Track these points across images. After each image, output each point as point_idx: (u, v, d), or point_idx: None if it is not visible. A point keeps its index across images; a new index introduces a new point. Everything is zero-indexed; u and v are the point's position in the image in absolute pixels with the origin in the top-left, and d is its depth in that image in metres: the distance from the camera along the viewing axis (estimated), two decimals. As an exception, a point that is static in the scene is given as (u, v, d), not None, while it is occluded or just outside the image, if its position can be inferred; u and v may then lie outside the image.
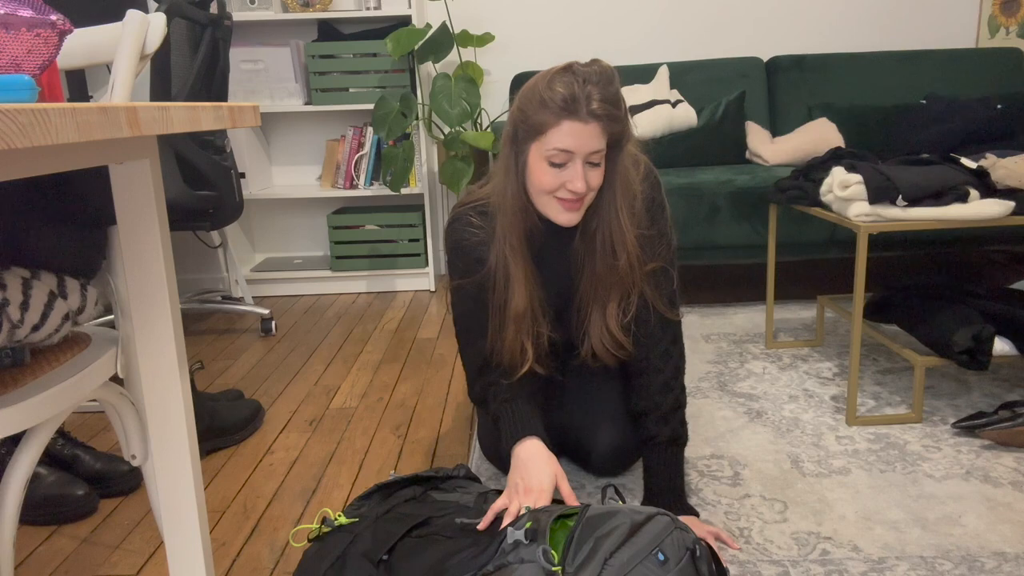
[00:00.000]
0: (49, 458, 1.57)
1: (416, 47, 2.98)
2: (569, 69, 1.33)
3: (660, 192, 1.47)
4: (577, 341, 1.53)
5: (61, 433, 1.60)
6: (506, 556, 1.05)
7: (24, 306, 0.98)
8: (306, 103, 3.18)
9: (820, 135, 2.97)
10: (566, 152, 1.32)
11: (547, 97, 1.31)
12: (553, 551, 1.03)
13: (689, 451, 1.70)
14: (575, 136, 1.31)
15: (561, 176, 1.34)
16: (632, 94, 2.95)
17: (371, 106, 3.06)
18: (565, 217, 1.40)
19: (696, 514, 1.43)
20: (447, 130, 3.10)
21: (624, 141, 1.38)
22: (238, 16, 3.06)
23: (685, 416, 1.50)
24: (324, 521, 1.26)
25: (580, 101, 1.30)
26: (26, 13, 0.71)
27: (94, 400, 1.06)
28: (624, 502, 1.21)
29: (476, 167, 2.98)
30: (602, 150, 1.34)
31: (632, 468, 1.62)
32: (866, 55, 3.21)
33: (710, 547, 1.10)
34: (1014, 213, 1.66)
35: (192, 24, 2.18)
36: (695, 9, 3.32)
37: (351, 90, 3.13)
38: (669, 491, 1.44)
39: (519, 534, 1.06)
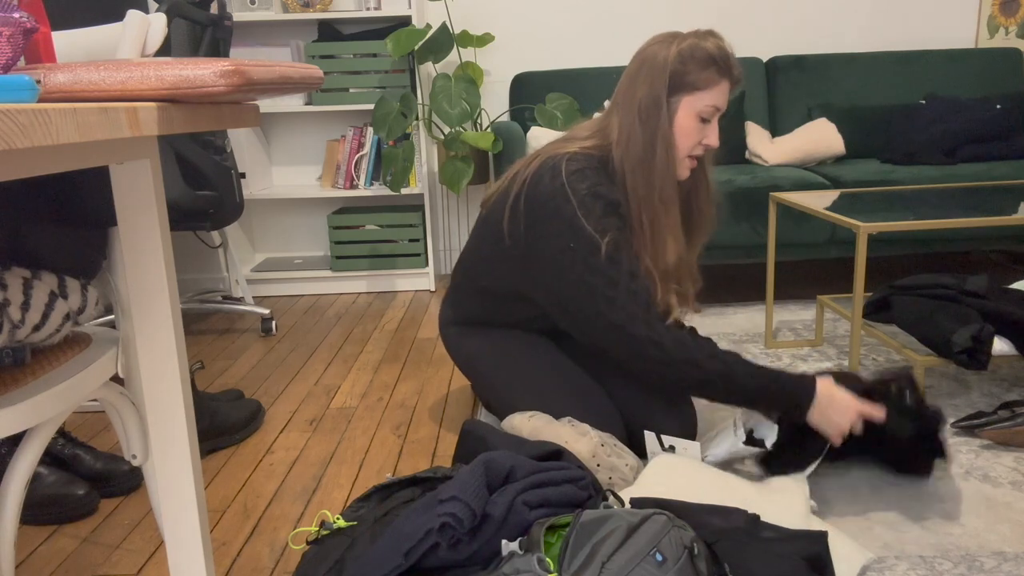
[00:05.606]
0: (50, 458, 1.57)
1: (416, 47, 2.98)
2: (713, 33, 1.47)
3: None
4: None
5: (62, 433, 1.60)
6: (500, 568, 1.05)
7: (25, 306, 0.98)
8: (306, 103, 3.18)
9: (820, 135, 2.97)
10: (717, 109, 1.45)
11: (715, 56, 1.44)
12: (549, 560, 1.03)
13: (689, 451, 1.70)
14: (725, 95, 1.47)
15: (703, 131, 1.47)
16: (632, 94, 2.95)
17: (371, 106, 3.06)
18: (686, 172, 1.52)
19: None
20: (447, 130, 3.10)
21: None
22: (238, 16, 3.06)
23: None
24: (323, 524, 1.26)
25: (733, 63, 1.45)
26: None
27: (94, 400, 1.06)
28: (622, 504, 1.21)
29: (476, 167, 2.99)
30: None
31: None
32: (866, 55, 3.21)
33: (708, 545, 1.10)
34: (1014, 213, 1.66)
35: (192, 24, 2.19)
36: (694, 9, 3.32)
37: (351, 90, 3.13)
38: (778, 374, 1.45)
39: (513, 545, 1.07)
